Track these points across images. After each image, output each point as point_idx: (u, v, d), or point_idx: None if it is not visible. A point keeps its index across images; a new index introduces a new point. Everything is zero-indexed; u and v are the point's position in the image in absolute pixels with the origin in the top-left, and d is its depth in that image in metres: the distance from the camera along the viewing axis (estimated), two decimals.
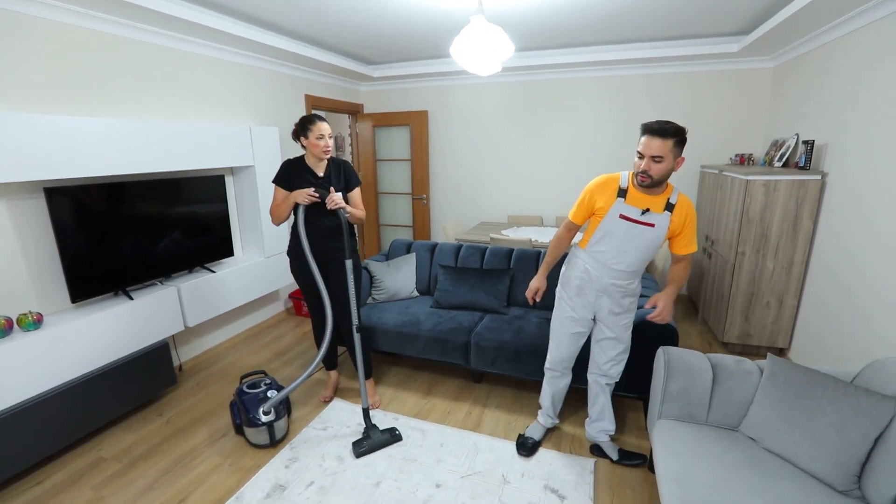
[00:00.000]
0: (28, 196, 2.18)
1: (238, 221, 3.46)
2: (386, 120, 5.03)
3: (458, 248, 3.26)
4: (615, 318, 1.95)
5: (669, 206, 1.74)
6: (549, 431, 2.33)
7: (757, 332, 3.08)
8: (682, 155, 1.67)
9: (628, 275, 1.86)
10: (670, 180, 1.77)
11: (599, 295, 1.93)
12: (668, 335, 2.16)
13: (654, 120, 1.66)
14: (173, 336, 2.91)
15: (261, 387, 2.35)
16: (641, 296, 2.49)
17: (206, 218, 3.05)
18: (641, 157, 1.65)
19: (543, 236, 3.80)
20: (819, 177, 2.73)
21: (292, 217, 2.28)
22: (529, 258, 3.05)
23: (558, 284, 2.09)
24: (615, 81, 4.17)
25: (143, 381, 2.52)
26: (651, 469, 2.06)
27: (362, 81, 4.89)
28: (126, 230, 2.55)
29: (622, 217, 1.77)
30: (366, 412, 2.32)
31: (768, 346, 3.10)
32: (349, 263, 2.19)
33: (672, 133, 1.59)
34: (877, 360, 1.55)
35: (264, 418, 2.19)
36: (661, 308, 1.84)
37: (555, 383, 2.20)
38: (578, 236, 2.07)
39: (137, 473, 2.09)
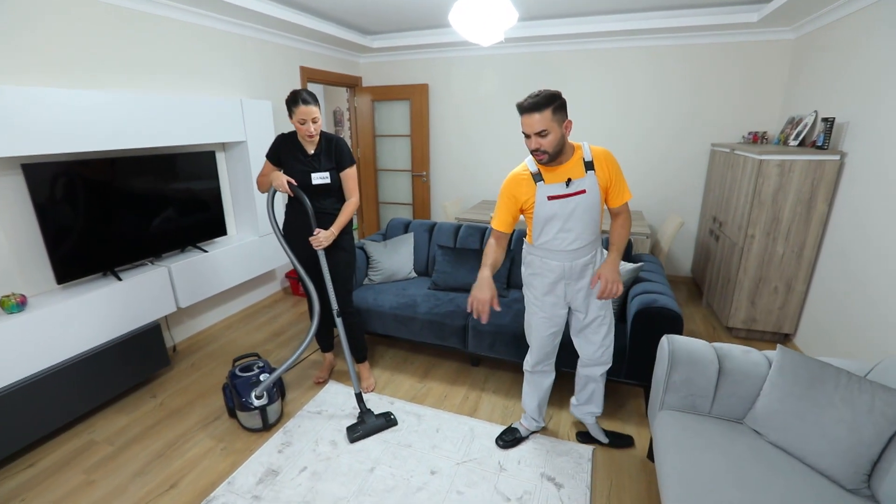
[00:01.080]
0: (6, 173, 2.08)
1: (231, 199, 3.36)
2: (385, 94, 4.85)
3: (458, 228, 3.16)
4: (589, 303, 1.83)
5: (589, 165, 1.66)
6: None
7: (763, 317, 3.01)
8: (567, 119, 1.59)
9: (585, 249, 1.76)
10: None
11: (569, 283, 1.80)
12: (672, 322, 2.08)
13: (524, 98, 1.56)
14: (166, 317, 2.86)
15: (253, 370, 2.30)
16: (640, 280, 2.43)
17: (198, 196, 2.95)
18: (528, 136, 1.59)
19: None
20: (838, 157, 2.60)
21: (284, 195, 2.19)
22: None
23: (523, 287, 1.96)
24: (621, 54, 3.96)
25: (135, 362, 2.48)
26: (649, 457, 2.02)
27: (361, 53, 4.69)
28: (113, 209, 2.46)
29: (551, 198, 1.68)
30: (359, 397, 2.28)
31: (774, 331, 3.03)
32: (321, 253, 2.13)
33: (545, 103, 1.52)
34: (893, 354, 1.46)
35: (257, 402, 2.15)
36: (606, 281, 1.64)
37: (539, 383, 2.06)
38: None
39: (129, 456, 2.07)
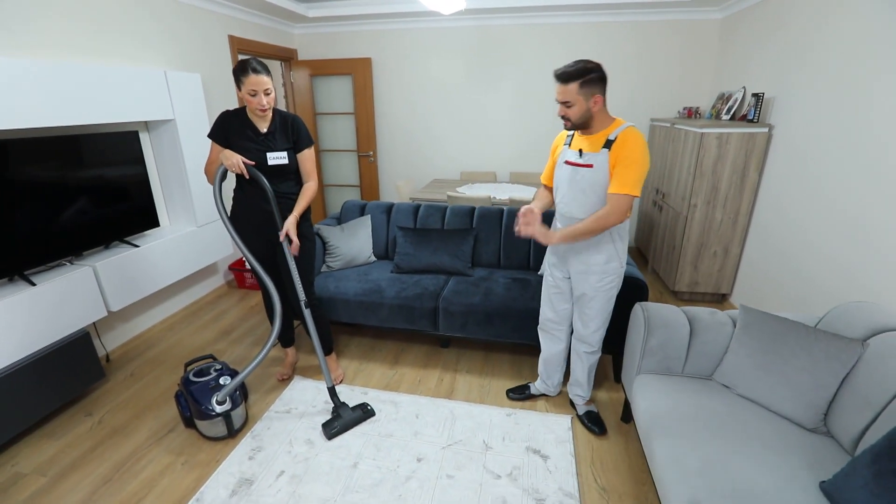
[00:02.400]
0: None
1: (161, 186, 2.99)
2: (324, 68, 4.54)
3: (417, 207, 3.07)
4: (585, 278, 1.86)
5: (608, 144, 1.62)
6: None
7: (704, 279, 3.26)
8: (599, 94, 1.61)
9: (576, 221, 1.73)
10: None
11: (567, 250, 1.87)
12: (639, 290, 2.18)
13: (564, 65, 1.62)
14: (95, 324, 2.50)
15: (210, 373, 2.09)
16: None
17: (119, 183, 2.58)
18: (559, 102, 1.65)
19: (501, 193, 3.69)
20: (766, 129, 2.83)
21: (233, 178, 1.96)
22: (493, 216, 2.94)
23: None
24: (568, 30, 4.01)
25: (61, 378, 2.15)
26: (623, 419, 2.13)
27: (295, 22, 4.32)
28: (13, 201, 2.07)
29: (566, 163, 1.76)
30: (332, 391, 2.16)
31: (713, 292, 3.30)
32: (285, 242, 1.98)
33: (573, 76, 1.57)
34: (838, 305, 1.63)
35: (219, 408, 1.96)
36: (530, 227, 1.67)
37: (547, 345, 2.15)
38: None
39: (69, 486, 1.80)
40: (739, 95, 3.21)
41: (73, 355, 2.20)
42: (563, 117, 1.67)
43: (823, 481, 1.24)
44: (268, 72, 1.84)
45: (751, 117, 2.96)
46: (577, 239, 1.70)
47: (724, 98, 3.48)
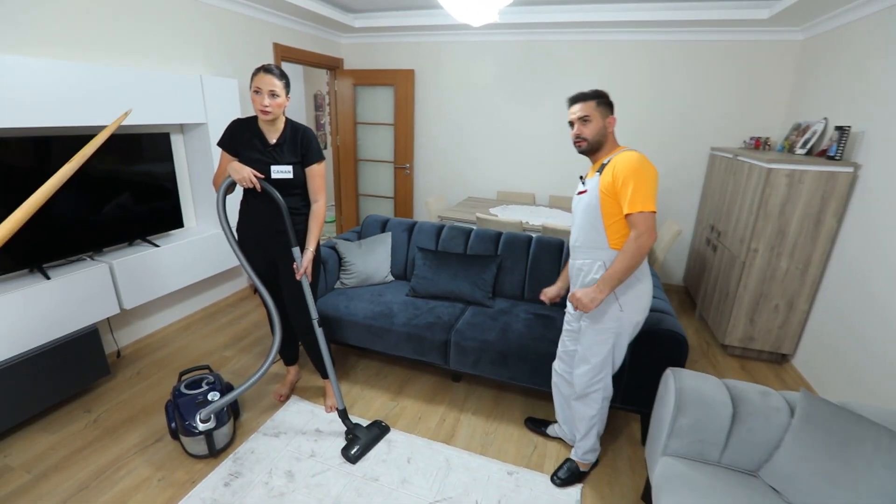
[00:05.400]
0: None
1: (191, 188, 3.02)
2: (368, 78, 4.52)
3: (440, 228, 2.90)
4: (580, 313, 1.73)
5: (601, 168, 1.59)
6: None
7: (761, 335, 2.84)
8: (612, 116, 1.64)
9: (582, 252, 1.69)
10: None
11: (573, 284, 1.78)
12: (677, 347, 1.87)
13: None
14: (109, 319, 2.53)
15: (201, 386, 2.02)
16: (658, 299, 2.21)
17: (147, 183, 2.61)
18: (572, 125, 1.65)
19: (536, 218, 3.45)
20: (851, 169, 2.41)
21: (240, 189, 1.89)
22: (520, 244, 2.71)
23: None
24: (619, 47, 3.72)
25: (67, 372, 2.16)
26: (644, 499, 1.82)
27: (342, 32, 4.34)
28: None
29: (578, 192, 1.72)
30: (343, 413, 2.07)
31: (771, 351, 2.86)
32: (296, 251, 1.86)
33: (592, 96, 1.62)
34: None
35: (202, 426, 1.87)
36: (576, 299, 1.59)
37: (556, 386, 2.00)
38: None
39: (47, 489, 1.77)
40: (820, 127, 2.79)
41: (80, 350, 2.21)
42: (577, 138, 1.64)
43: None
44: (282, 77, 1.76)
45: (832, 153, 2.54)
46: (621, 278, 1.53)
47: (800, 129, 3.05)
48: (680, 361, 1.88)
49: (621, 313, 1.62)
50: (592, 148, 1.63)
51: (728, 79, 3.55)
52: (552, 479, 1.89)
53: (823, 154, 2.66)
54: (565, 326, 1.90)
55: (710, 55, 3.55)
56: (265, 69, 1.73)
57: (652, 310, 2.04)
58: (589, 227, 1.62)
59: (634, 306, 1.63)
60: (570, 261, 1.78)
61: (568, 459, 1.94)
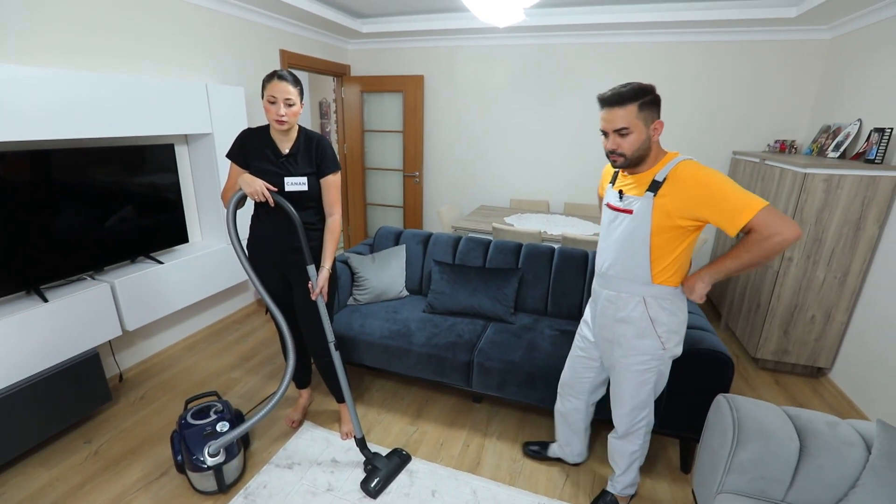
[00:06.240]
0: None
1: (196, 201, 2.90)
2: (376, 84, 4.41)
3: (457, 240, 2.77)
4: (611, 348, 1.53)
5: (655, 186, 1.30)
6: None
7: (796, 348, 2.69)
8: (660, 118, 1.31)
9: (611, 281, 1.47)
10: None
11: (594, 310, 1.58)
12: (723, 368, 1.72)
13: (608, 89, 1.31)
14: (110, 341, 2.40)
15: (210, 415, 1.88)
16: (694, 326, 2.06)
17: (151, 197, 2.49)
18: (606, 134, 1.34)
19: (554, 227, 3.31)
20: (894, 173, 2.28)
21: (251, 203, 1.76)
22: (542, 256, 2.57)
23: None
24: (636, 49, 3.61)
25: (65, 400, 2.03)
26: None
27: (349, 38, 4.24)
28: (39, 214, 2.00)
29: (608, 206, 1.48)
30: (361, 442, 1.93)
31: (806, 364, 2.71)
32: (311, 269, 1.73)
33: (632, 96, 1.26)
34: None
35: (210, 461, 1.73)
36: (690, 281, 1.38)
37: (559, 403, 1.86)
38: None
39: None
40: (853, 129, 2.66)
41: (80, 377, 2.08)
42: (612, 153, 1.34)
43: None
44: (296, 84, 1.64)
45: (871, 156, 2.41)
46: (731, 274, 1.30)
47: (830, 132, 2.92)
48: (725, 384, 1.74)
49: (663, 351, 1.46)
50: (632, 164, 1.35)
51: (749, 80, 3.43)
52: None
53: (860, 157, 2.53)
54: (579, 353, 1.71)
55: (730, 56, 3.43)
56: (279, 76, 1.61)
57: (690, 326, 1.90)
58: (628, 256, 1.39)
59: (676, 339, 1.47)
60: (596, 286, 1.55)
61: (605, 492, 1.79)
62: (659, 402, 1.87)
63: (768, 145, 3.46)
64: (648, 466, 2.01)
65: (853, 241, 2.43)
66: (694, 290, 1.36)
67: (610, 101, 1.29)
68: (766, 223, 1.18)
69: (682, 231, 1.32)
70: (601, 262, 1.50)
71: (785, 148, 3.28)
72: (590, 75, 3.79)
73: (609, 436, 1.73)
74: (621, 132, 1.29)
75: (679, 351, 1.51)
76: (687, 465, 1.98)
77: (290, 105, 1.62)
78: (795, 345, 2.69)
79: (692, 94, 3.56)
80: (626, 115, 1.27)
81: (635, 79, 1.37)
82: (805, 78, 3.31)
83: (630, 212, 1.36)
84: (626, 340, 1.47)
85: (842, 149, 2.69)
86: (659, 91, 1.31)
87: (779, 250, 1.20)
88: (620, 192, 1.42)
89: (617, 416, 1.63)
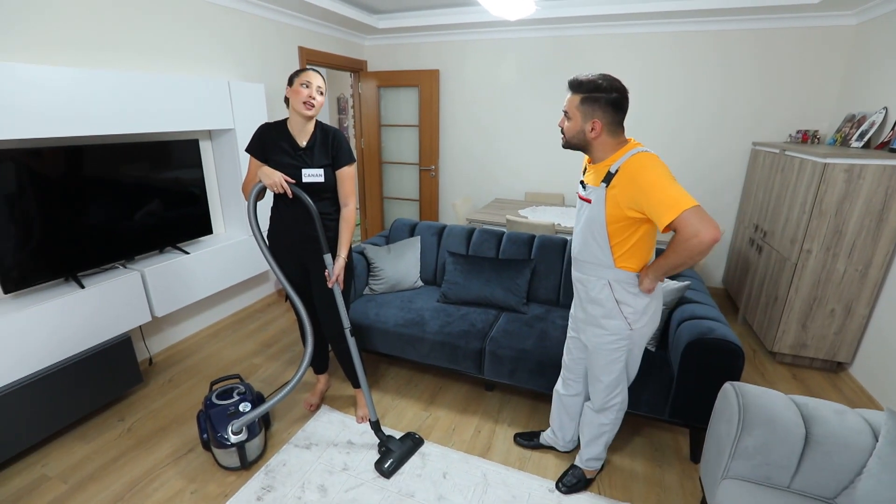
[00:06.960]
0: None
1: (219, 195, 3.02)
2: (392, 79, 4.47)
3: (471, 232, 2.81)
4: (584, 328, 1.62)
5: (608, 177, 1.36)
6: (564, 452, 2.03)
7: (815, 342, 2.65)
8: (599, 120, 1.35)
9: (581, 265, 1.56)
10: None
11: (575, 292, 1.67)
12: (733, 358, 1.73)
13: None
14: (141, 326, 2.54)
15: (233, 396, 1.99)
16: (685, 301, 2.07)
17: (177, 190, 2.61)
18: None
19: (567, 219, 3.32)
20: None
21: (270, 196, 1.84)
22: (554, 247, 2.60)
23: None
24: (650, 40, 3.55)
25: (101, 381, 2.17)
26: None
27: (366, 34, 4.30)
28: (76, 206, 2.13)
29: (577, 194, 1.56)
30: (376, 425, 2.01)
31: (826, 359, 2.67)
32: (328, 258, 1.80)
33: (578, 87, 1.36)
34: None
35: (234, 438, 1.83)
36: (641, 276, 1.45)
37: (560, 384, 1.89)
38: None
39: (83, 499, 1.76)
40: (878, 118, 2.59)
41: (113, 359, 2.22)
42: (560, 128, 1.46)
43: None
44: (324, 79, 1.75)
45: (895, 146, 2.35)
46: (667, 272, 1.37)
47: (854, 120, 2.84)
48: (735, 374, 1.75)
49: (631, 331, 1.50)
50: (572, 147, 1.45)
51: (770, 69, 3.36)
52: (557, 487, 1.82)
53: (885, 146, 2.47)
54: (571, 334, 1.78)
55: (749, 45, 3.35)
56: (312, 69, 1.75)
57: (701, 317, 1.92)
58: (591, 242, 1.46)
59: (644, 320, 1.50)
60: (572, 270, 1.62)
61: (573, 466, 1.87)
62: (668, 392, 1.90)
63: (790, 136, 3.38)
64: (658, 455, 2.03)
65: (875, 233, 2.37)
66: (642, 284, 1.44)
67: (568, 83, 1.40)
68: (688, 224, 1.21)
69: (633, 221, 1.36)
70: (574, 247, 1.58)
71: (807, 138, 3.20)
72: (603, 67, 3.70)
73: (585, 405, 1.79)
74: (566, 114, 1.41)
75: (648, 330, 1.53)
76: (697, 455, 1.99)
77: (320, 93, 1.73)
78: (814, 339, 2.65)
79: (709, 84, 3.50)
80: (570, 101, 1.39)
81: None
82: (829, 66, 3.22)
83: (589, 201, 1.44)
84: (595, 320, 1.55)
85: (866, 138, 2.62)
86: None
87: (701, 250, 1.23)
88: (581, 182, 1.51)
89: (594, 391, 1.69)
